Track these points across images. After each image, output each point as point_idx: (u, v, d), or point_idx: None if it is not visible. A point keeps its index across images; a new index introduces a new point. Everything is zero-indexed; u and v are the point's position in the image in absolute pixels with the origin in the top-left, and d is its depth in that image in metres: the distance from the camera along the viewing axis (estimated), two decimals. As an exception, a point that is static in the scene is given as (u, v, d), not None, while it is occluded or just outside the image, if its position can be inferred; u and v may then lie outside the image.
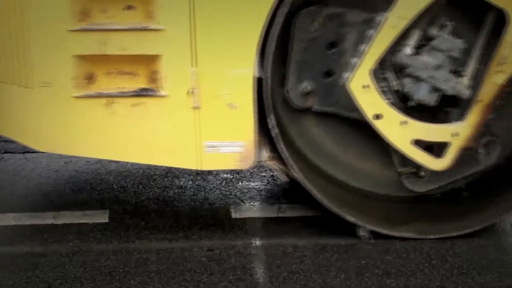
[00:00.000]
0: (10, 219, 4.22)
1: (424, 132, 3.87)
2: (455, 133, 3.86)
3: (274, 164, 3.99)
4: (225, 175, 4.87)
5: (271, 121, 3.83)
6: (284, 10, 3.71)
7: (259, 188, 4.71)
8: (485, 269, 3.66)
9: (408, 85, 3.88)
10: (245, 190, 4.65)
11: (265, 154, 3.94)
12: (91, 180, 4.75)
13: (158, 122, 3.80)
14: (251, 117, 3.80)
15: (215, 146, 3.82)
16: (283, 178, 4.15)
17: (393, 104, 3.88)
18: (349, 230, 3.94)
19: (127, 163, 4.97)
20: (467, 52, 3.90)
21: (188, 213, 4.30)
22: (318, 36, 3.88)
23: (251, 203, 4.47)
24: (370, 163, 4.17)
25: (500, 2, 3.73)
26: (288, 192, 4.61)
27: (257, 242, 3.96)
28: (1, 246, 3.92)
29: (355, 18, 3.85)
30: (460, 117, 3.88)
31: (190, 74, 3.74)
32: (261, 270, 3.66)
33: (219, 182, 4.77)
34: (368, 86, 3.80)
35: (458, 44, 3.86)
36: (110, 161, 5.01)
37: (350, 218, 3.92)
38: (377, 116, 3.84)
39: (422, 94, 3.86)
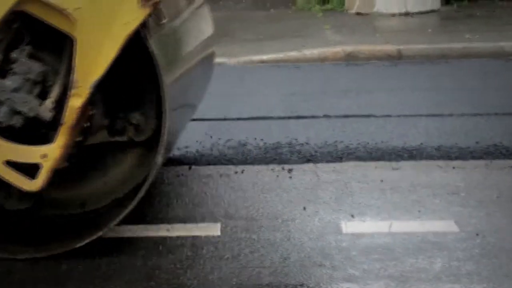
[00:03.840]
0: (125, 231, 4.32)
1: (15, 153, 3.85)
2: (44, 155, 3.82)
3: None
4: (334, 190, 4.86)
5: None
6: None
7: (370, 203, 4.68)
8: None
9: None
10: (355, 205, 4.63)
11: None
12: (202, 193, 4.81)
13: None
14: None
15: None
16: None
17: None
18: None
19: (241, 178, 5.04)
20: (54, 75, 3.89)
21: (299, 228, 4.30)
22: None
23: (362, 219, 4.45)
24: None
25: (67, 28, 3.71)
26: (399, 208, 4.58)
27: (368, 257, 3.94)
28: (116, 257, 4.01)
29: None
30: None
31: None
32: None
33: (328, 197, 4.76)
34: None
35: (35, 67, 3.87)
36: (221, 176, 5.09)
37: None
38: None
39: (1, 116, 3.85)
